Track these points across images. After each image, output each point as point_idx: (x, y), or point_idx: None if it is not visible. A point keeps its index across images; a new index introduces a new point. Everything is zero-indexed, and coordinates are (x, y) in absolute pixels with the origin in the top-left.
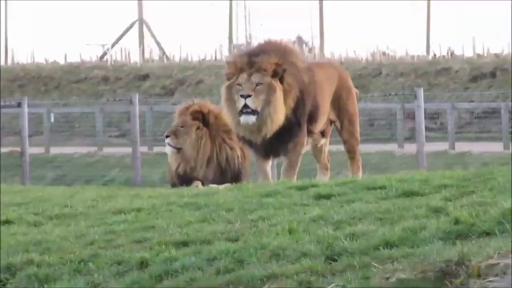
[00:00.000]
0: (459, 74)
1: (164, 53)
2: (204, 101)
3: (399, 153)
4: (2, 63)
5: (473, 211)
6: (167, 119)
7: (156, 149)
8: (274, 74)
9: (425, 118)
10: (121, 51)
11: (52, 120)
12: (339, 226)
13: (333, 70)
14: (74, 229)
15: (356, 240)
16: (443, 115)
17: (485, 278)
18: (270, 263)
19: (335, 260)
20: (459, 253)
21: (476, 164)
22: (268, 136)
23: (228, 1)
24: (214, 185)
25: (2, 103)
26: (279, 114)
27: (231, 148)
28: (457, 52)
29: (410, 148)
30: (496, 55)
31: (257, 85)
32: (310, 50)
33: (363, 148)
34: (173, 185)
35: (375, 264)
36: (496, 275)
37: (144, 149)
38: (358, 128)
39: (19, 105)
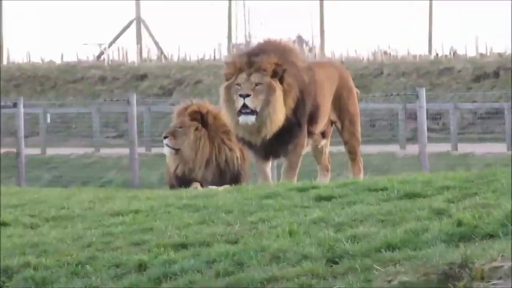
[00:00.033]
0: (461, 74)
1: (162, 52)
2: (202, 101)
3: (401, 154)
4: None
5: (476, 213)
6: (165, 119)
7: (154, 150)
8: (274, 74)
9: (427, 118)
10: (119, 50)
11: (49, 120)
12: (340, 228)
13: (333, 69)
14: (71, 231)
15: (358, 243)
16: (446, 116)
17: (489, 281)
18: (270, 265)
19: (336, 263)
20: (462, 255)
21: (479, 165)
22: (267, 137)
23: (227, 0)
24: (213, 187)
25: (2, 104)
26: (278, 115)
27: (230, 149)
28: (460, 51)
29: (412, 149)
30: (500, 54)
31: (256, 85)
32: (310, 50)
33: (364, 149)
34: (172, 187)
35: (377, 267)
36: (500, 278)
37: (142, 150)
38: (359, 129)
39: (15, 105)
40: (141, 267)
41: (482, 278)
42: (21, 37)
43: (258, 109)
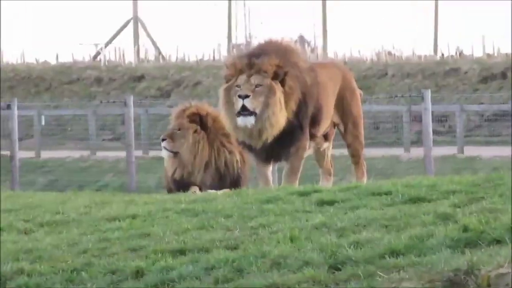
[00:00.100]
0: (468, 75)
1: (160, 53)
2: (201, 103)
3: (406, 157)
4: None
5: (482, 218)
6: (163, 122)
7: (152, 153)
8: (275, 76)
9: (432, 121)
10: (115, 51)
11: (43, 123)
12: (343, 234)
13: (336, 70)
14: (66, 236)
15: (361, 248)
16: (452, 118)
17: None
18: (271, 272)
19: (339, 269)
20: (468, 262)
21: (486, 169)
22: (268, 140)
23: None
24: (212, 191)
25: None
26: (279, 118)
27: (230, 152)
28: (466, 52)
29: (417, 152)
30: (507, 55)
31: (256, 86)
32: (312, 50)
33: (367, 152)
34: (170, 191)
35: (381, 274)
36: (507, 285)
37: (139, 153)
38: (362, 132)
39: (8, 107)
40: (138, 273)
41: (489, 285)
42: (15, 37)
43: (257, 111)
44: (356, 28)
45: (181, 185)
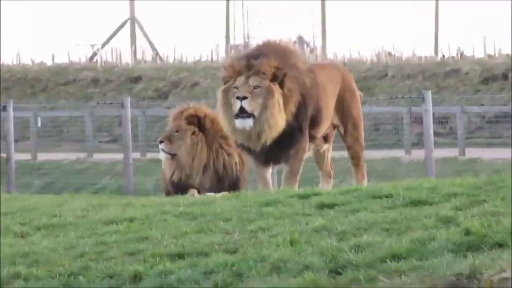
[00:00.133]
0: (469, 76)
1: (157, 53)
2: (199, 104)
3: (406, 159)
4: None
5: (485, 221)
6: (161, 123)
7: (149, 155)
8: (274, 78)
9: (433, 122)
10: (112, 51)
11: (39, 124)
12: (343, 237)
13: (336, 71)
14: (63, 240)
15: (361, 252)
16: (452, 120)
17: None
18: (270, 276)
19: (339, 273)
20: (470, 266)
21: (487, 171)
22: (267, 143)
23: (225, 0)
24: (211, 194)
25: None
26: (277, 120)
27: (229, 154)
28: (467, 52)
29: (417, 154)
30: (508, 55)
31: (254, 88)
32: (311, 51)
33: (368, 154)
34: (168, 194)
35: (382, 278)
36: None
37: (136, 155)
38: (362, 133)
39: (4, 108)
40: (136, 278)
41: None
42: (10, 38)
43: (255, 113)
44: (356, 29)
45: (179, 187)
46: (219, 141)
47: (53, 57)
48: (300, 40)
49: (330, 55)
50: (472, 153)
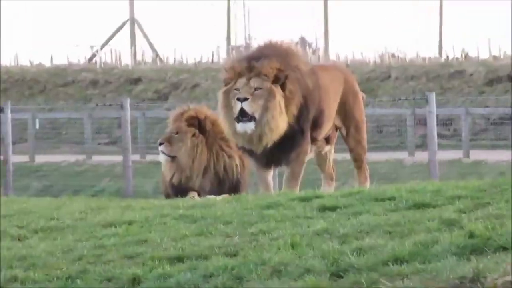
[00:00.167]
0: (473, 78)
1: (157, 55)
2: (200, 106)
3: (410, 161)
4: None
5: (489, 224)
6: (161, 125)
7: (149, 157)
8: (275, 80)
9: (437, 124)
10: (111, 52)
11: (37, 126)
12: (345, 240)
13: (338, 73)
14: (61, 243)
15: (364, 255)
16: (457, 121)
17: None
18: (271, 280)
19: (341, 277)
20: (474, 269)
21: (492, 173)
22: (269, 145)
23: (226, 0)
24: (211, 196)
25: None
26: (278, 122)
27: (229, 157)
28: (472, 53)
29: (421, 156)
30: None
31: (255, 89)
32: (314, 52)
33: (370, 156)
34: (167, 196)
35: (384, 281)
36: None
37: (136, 157)
38: (365, 135)
39: (2, 110)
40: (135, 281)
41: None
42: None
43: (256, 115)
44: (359, 29)
45: (179, 190)
46: (219, 143)
47: (51, 58)
48: (302, 41)
49: (332, 56)
50: (476, 155)
